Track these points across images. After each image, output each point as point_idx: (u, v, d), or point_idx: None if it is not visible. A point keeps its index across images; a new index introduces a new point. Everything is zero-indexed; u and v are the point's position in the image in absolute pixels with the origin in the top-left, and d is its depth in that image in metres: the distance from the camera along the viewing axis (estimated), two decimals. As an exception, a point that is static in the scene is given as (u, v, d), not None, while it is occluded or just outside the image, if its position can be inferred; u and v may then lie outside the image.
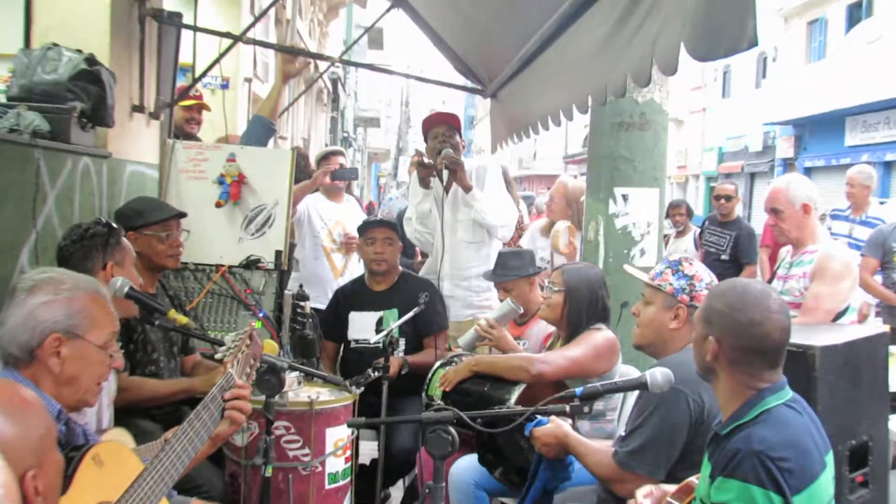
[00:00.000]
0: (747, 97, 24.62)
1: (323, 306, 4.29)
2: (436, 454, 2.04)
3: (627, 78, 2.34)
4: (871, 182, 5.95)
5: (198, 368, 3.26)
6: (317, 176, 4.93)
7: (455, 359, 3.23)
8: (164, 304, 2.87)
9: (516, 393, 2.91)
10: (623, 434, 2.51)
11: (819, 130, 20.44)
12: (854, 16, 19.41)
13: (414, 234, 4.47)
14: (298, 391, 3.09)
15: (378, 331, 3.73)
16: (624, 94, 2.51)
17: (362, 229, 4.06)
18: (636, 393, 2.61)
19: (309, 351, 3.47)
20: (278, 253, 3.79)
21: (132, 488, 1.79)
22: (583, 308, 3.10)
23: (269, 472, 2.49)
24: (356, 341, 3.90)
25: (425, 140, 4.37)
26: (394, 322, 3.65)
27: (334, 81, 20.68)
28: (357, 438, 3.21)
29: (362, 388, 3.15)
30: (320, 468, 2.94)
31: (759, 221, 11.81)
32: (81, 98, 3.27)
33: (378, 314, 3.92)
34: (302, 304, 3.65)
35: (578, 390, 2.23)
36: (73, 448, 1.74)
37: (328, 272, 4.97)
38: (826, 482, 1.88)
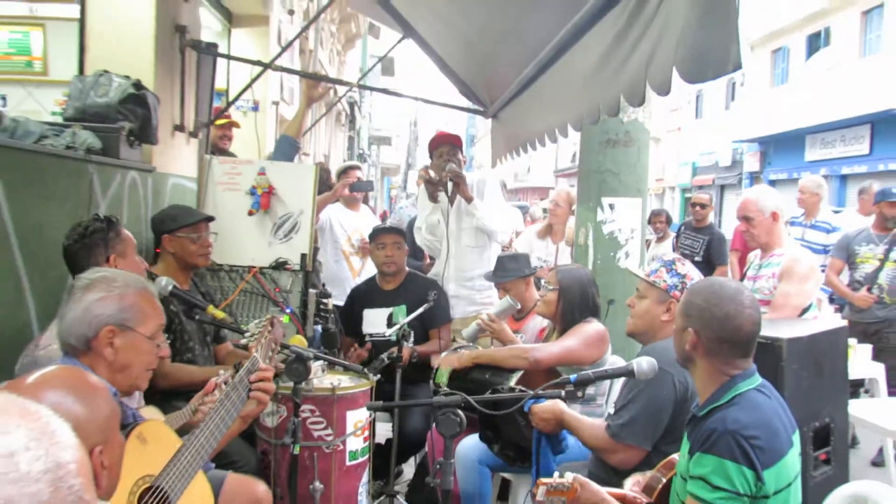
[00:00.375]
0: (718, 117, 24.59)
1: (343, 303, 4.29)
2: (446, 434, 2.04)
3: (621, 98, 2.33)
4: (821, 190, 5.87)
5: (230, 356, 3.26)
6: (337, 188, 4.97)
7: (459, 349, 3.24)
8: (200, 301, 2.89)
9: (514, 380, 2.92)
10: (614, 409, 2.51)
11: (782, 147, 20.43)
12: (813, 45, 19.40)
13: (424, 241, 4.47)
14: (322, 378, 3.10)
15: (390, 325, 3.73)
16: (617, 112, 2.50)
17: (373, 235, 4.07)
18: (622, 380, 2.61)
19: (331, 342, 3.49)
20: (303, 256, 3.80)
21: (171, 463, 1.80)
22: (575, 304, 3.11)
23: (296, 451, 2.50)
24: (370, 335, 3.90)
25: (431, 158, 4.36)
26: (403, 317, 3.66)
27: (351, 104, 20.68)
28: (374, 420, 3.21)
29: (378, 375, 3.15)
30: (342, 447, 2.95)
31: (728, 228, 11.80)
32: (129, 119, 3.30)
33: (388, 310, 3.94)
34: (325, 301, 3.66)
35: (572, 377, 2.23)
36: (122, 426, 1.75)
37: (347, 273, 5.01)
38: (793, 459, 1.88)
